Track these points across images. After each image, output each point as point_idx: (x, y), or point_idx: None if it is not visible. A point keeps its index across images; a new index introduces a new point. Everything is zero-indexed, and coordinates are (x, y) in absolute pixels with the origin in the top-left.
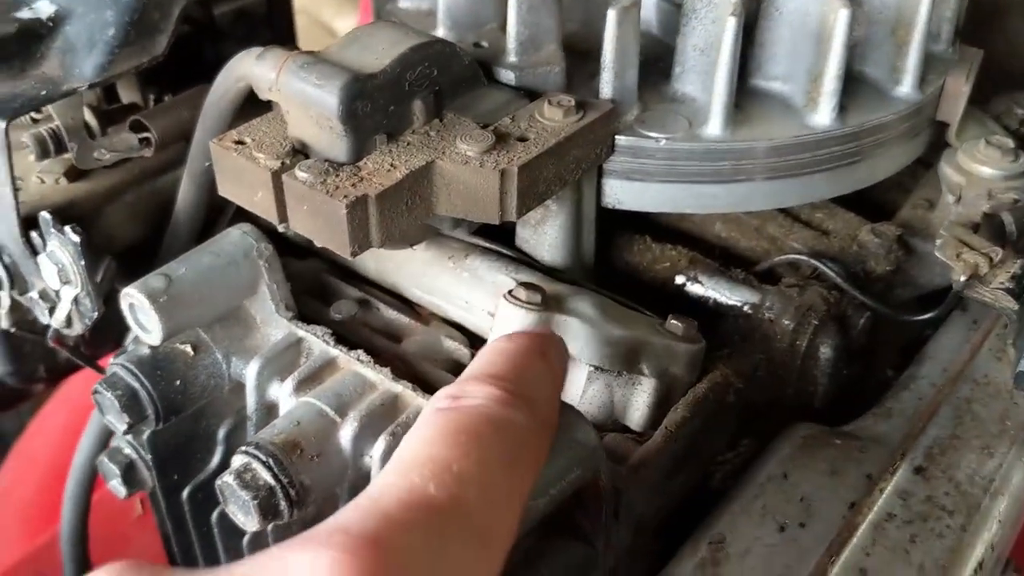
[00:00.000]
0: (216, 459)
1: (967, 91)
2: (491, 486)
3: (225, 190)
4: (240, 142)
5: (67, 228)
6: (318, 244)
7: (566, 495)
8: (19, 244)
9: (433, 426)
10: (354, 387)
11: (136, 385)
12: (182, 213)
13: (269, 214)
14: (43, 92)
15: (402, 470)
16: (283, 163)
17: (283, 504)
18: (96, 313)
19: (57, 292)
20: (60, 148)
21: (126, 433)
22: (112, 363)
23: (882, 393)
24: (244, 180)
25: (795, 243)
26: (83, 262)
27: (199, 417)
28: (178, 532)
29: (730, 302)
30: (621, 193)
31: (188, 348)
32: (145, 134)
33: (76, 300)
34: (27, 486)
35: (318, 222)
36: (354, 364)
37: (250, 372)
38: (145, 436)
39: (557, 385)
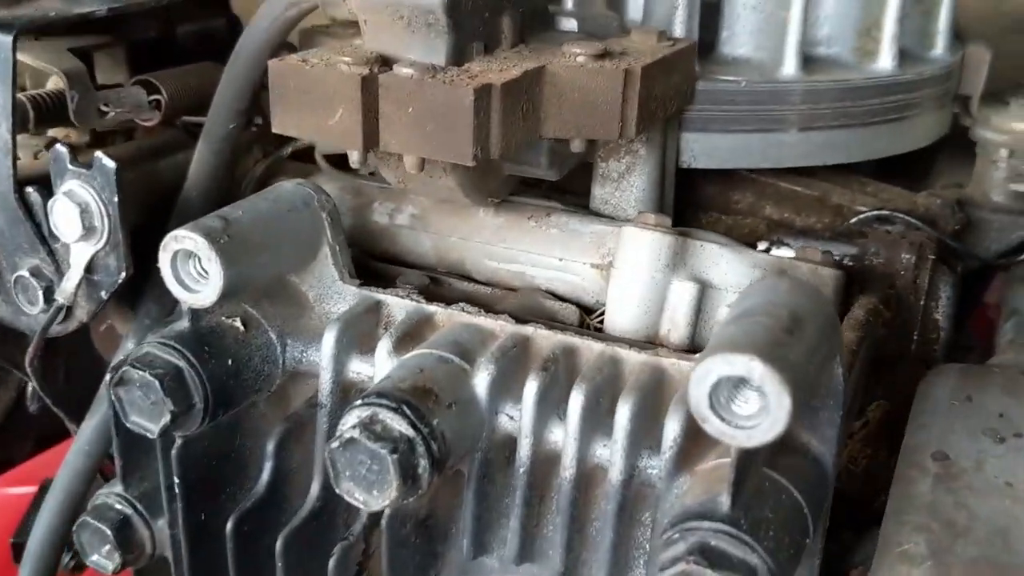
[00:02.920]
0: (265, 478)
1: (988, 59)
2: None
3: (285, 122)
4: (305, 62)
5: (98, 154)
6: (426, 154)
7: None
8: (7, 204)
9: None
10: (470, 335)
11: (181, 363)
12: (194, 188)
13: (349, 138)
14: (52, 13)
15: None
16: (371, 70)
17: (424, 462)
18: (123, 275)
19: (66, 255)
20: (43, 117)
21: (165, 432)
22: (145, 343)
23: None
24: (318, 100)
25: (862, 207)
26: (116, 197)
27: (234, 432)
28: None
29: None
30: (697, 147)
31: (238, 323)
32: (155, 96)
33: (93, 263)
34: None
35: (429, 126)
36: (460, 316)
37: (327, 341)
38: (174, 451)
39: None
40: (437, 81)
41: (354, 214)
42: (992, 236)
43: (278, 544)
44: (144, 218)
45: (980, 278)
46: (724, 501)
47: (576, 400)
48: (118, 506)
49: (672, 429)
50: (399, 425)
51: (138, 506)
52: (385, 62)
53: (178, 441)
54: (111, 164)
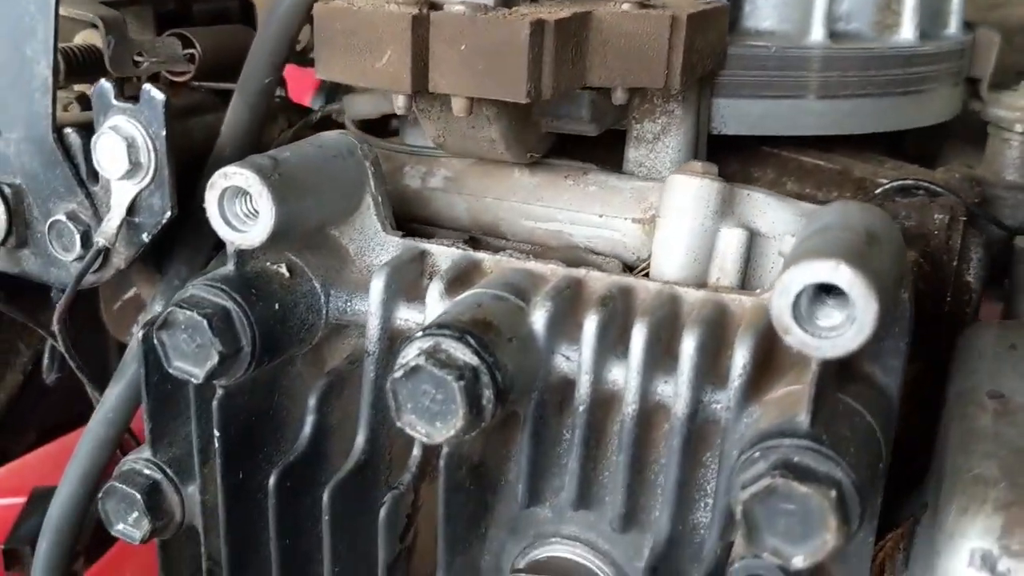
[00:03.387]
0: (307, 431)
1: (997, 41)
2: None
3: (330, 67)
4: (351, 4)
5: (147, 86)
6: (477, 93)
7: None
8: (45, 146)
9: None
10: (523, 278)
11: (229, 304)
12: (228, 143)
13: (397, 80)
14: None
15: None
16: (420, 10)
17: (488, 392)
18: (167, 215)
19: (105, 198)
20: (73, 70)
21: (211, 376)
22: (189, 286)
23: None
24: (365, 42)
25: (884, 180)
26: (164, 131)
27: (271, 390)
28: (242, 548)
29: None
30: (728, 113)
31: (283, 269)
32: (189, 50)
33: (135, 204)
34: None
35: (481, 63)
36: (509, 262)
37: (375, 286)
38: (215, 402)
39: None
40: (491, 17)
41: (385, 178)
42: (1006, 213)
43: (325, 497)
44: None
45: None
46: (804, 419)
47: (639, 333)
48: (147, 471)
49: (741, 357)
50: (463, 354)
51: (168, 471)
52: (432, 6)
53: (219, 392)
54: (160, 96)
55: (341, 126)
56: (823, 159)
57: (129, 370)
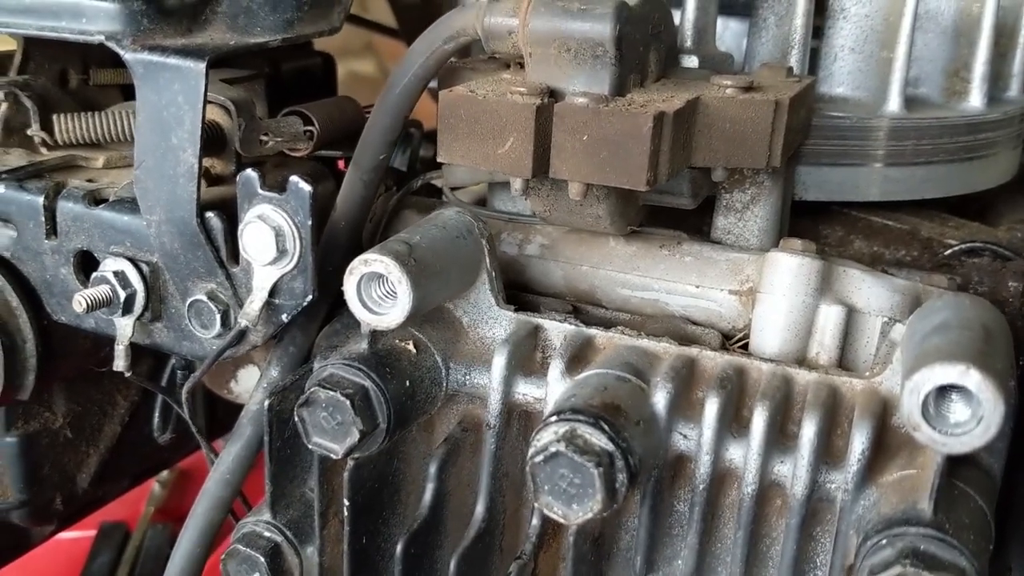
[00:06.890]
0: (428, 499)
1: None
2: None
3: (452, 151)
4: (474, 92)
5: (293, 179)
6: (597, 180)
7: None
8: (187, 229)
9: None
10: (639, 357)
11: (367, 383)
12: (343, 217)
13: (518, 166)
14: (231, 42)
15: None
16: (543, 100)
17: (622, 476)
18: (309, 298)
19: (244, 279)
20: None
21: (349, 452)
22: (327, 364)
23: None
24: (488, 129)
25: (952, 240)
26: (311, 221)
27: (391, 456)
28: None
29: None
30: (809, 180)
31: (410, 345)
32: (309, 127)
33: (276, 286)
34: None
35: (602, 153)
36: (620, 339)
37: (497, 363)
38: (347, 473)
39: None
40: (613, 109)
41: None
42: None
43: (452, 566)
44: None
45: None
46: (926, 507)
47: (760, 417)
48: (267, 534)
49: (860, 443)
50: (599, 440)
51: (287, 533)
52: (552, 94)
53: (350, 463)
54: (307, 188)
55: (434, 189)
56: (890, 218)
57: (246, 432)
